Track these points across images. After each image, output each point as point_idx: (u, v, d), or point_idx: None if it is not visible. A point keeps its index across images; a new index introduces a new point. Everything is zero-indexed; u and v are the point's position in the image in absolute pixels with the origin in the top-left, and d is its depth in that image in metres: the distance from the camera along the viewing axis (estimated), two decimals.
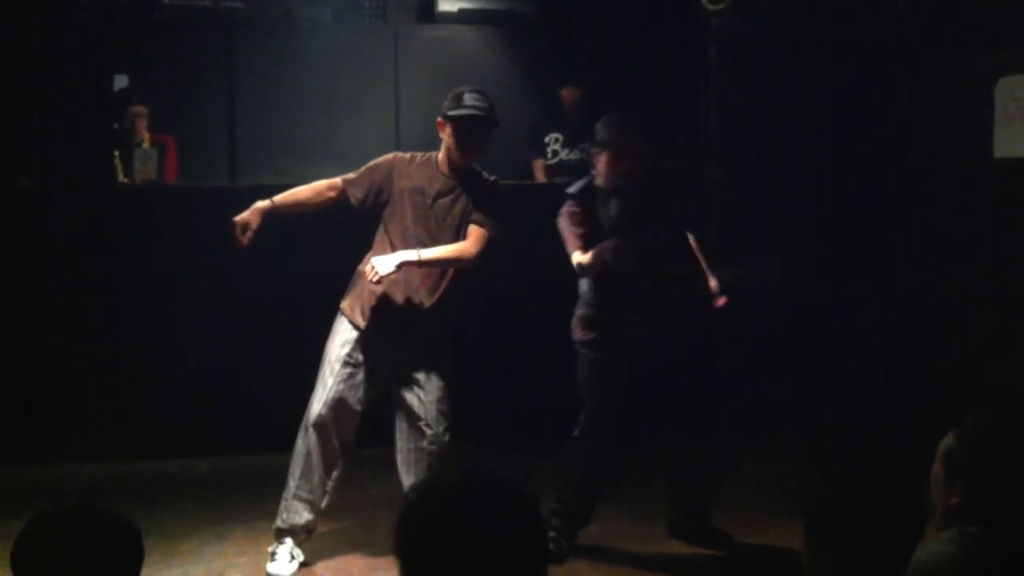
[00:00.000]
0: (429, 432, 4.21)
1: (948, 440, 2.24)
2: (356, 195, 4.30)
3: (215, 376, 5.81)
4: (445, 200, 4.26)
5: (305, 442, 4.23)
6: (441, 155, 4.31)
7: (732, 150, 6.32)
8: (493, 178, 4.38)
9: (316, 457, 4.22)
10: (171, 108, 6.86)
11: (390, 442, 4.45)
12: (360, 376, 4.25)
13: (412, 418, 4.24)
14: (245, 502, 5.05)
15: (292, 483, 4.25)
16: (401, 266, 4.09)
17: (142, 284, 5.84)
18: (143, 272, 5.84)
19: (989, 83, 5.10)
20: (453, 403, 4.30)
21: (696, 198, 4.46)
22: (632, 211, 4.31)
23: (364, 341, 4.26)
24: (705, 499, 4.56)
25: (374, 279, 4.07)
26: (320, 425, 4.19)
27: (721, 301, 4.36)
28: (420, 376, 4.24)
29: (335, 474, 4.30)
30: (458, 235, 4.24)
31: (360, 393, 4.25)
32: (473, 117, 4.21)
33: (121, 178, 6.37)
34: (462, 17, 7.40)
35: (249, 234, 4.15)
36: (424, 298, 4.24)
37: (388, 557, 4.29)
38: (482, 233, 4.22)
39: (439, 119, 4.29)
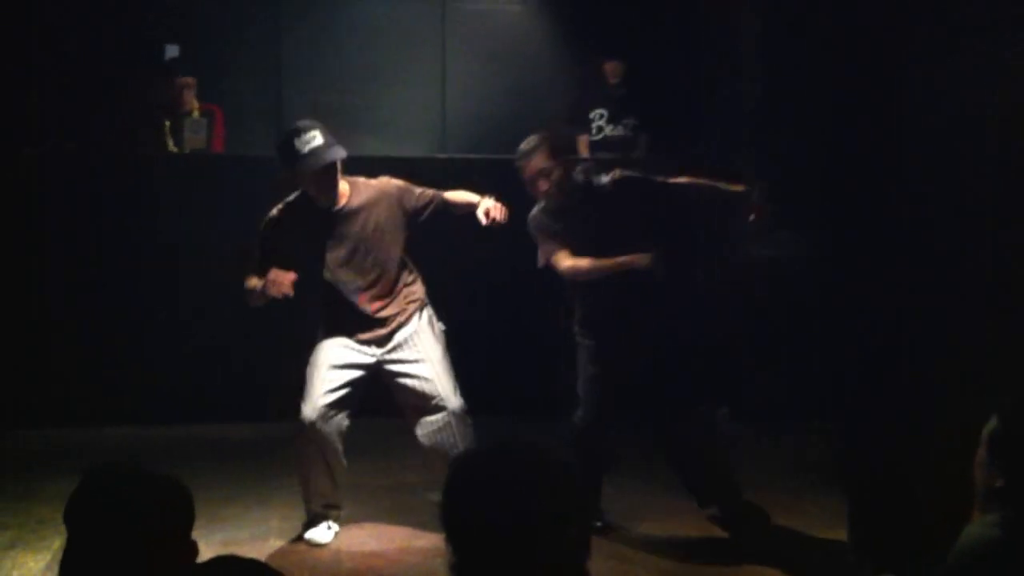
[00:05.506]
0: (446, 405, 4.21)
1: (992, 423, 2.24)
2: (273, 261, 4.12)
3: (260, 342, 5.87)
4: (359, 221, 4.17)
5: (303, 444, 4.22)
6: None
7: (772, 123, 6.28)
8: (383, 178, 4.28)
9: (315, 455, 4.23)
10: (218, 78, 6.91)
11: None
12: (350, 377, 4.24)
13: (424, 400, 4.23)
14: (288, 468, 5.06)
15: (306, 488, 4.31)
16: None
17: (192, 249, 5.91)
18: (194, 238, 5.91)
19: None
20: (456, 376, 4.30)
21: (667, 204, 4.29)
22: (564, 226, 4.24)
23: (350, 343, 4.26)
24: (703, 483, 4.45)
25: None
26: (313, 427, 4.16)
27: (756, 212, 4.22)
28: (415, 366, 4.25)
29: (341, 467, 4.32)
30: (396, 239, 4.22)
31: (351, 392, 4.24)
32: (316, 170, 4.02)
33: (171, 147, 6.44)
34: None
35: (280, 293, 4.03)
36: (388, 301, 4.26)
37: (430, 523, 4.34)
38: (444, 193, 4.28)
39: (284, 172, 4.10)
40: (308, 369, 4.24)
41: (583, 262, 4.21)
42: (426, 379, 4.23)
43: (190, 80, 6.63)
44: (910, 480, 2.01)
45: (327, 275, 4.21)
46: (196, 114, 6.51)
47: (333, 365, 4.21)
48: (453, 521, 1.66)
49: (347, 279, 4.21)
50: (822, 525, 4.36)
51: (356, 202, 4.18)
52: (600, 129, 6.97)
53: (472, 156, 6.44)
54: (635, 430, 4.48)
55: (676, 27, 7.15)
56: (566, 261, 4.22)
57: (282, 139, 4.08)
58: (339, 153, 4.05)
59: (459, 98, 7.16)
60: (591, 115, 6.97)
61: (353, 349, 4.24)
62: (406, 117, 7.21)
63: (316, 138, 4.00)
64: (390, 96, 7.19)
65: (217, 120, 6.64)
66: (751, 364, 6.13)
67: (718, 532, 4.40)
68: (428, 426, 4.25)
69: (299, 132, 4.02)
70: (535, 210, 4.33)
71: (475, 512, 1.63)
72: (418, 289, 4.36)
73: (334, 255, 4.18)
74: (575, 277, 4.25)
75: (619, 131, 6.95)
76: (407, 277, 4.32)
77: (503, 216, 4.12)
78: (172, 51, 6.98)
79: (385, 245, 4.21)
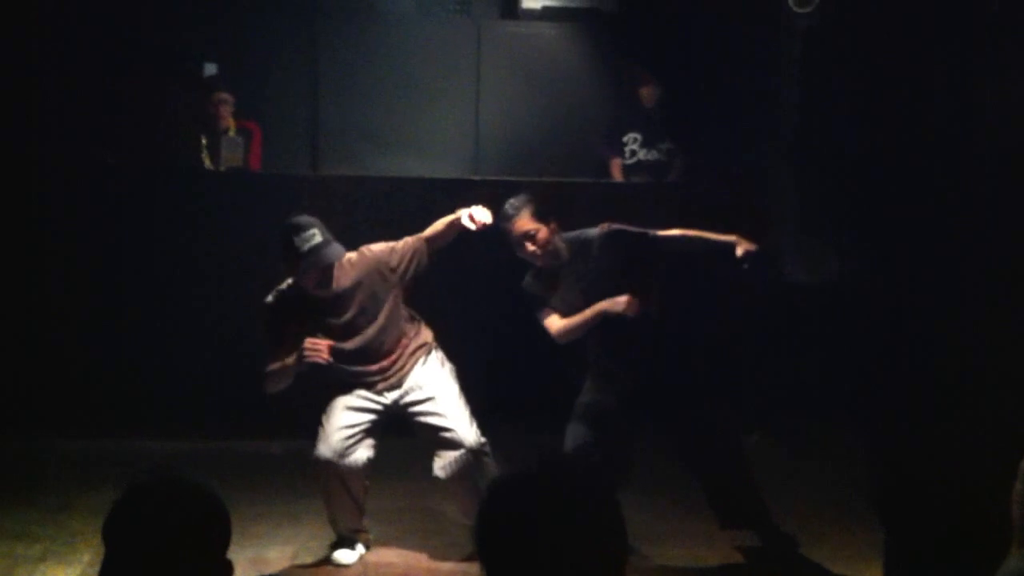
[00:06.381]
0: (463, 442, 4.25)
1: None
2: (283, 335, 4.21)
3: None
4: (352, 298, 4.24)
5: (322, 477, 4.28)
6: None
7: (810, 148, 6.26)
8: (363, 248, 4.31)
9: (337, 487, 4.28)
10: (255, 96, 6.96)
11: None
12: (365, 418, 4.29)
13: (441, 435, 4.28)
14: (318, 486, 5.11)
15: (331, 514, 4.36)
16: None
17: (226, 266, 5.95)
18: (231, 255, 5.96)
19: None
20: (471, 409, 4.34)
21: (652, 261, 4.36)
22: (551, 288, 4.32)
23: (364, 392, 4.31)
24: (728, 503, 4.42)
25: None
26: (330, 464, 4.22)
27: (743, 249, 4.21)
28: (429, 404, 4.31)
29: (364, 494, 4.36)
30: (393, 300, 4.28)
31: (368, 429, 4.29)
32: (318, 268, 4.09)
33: (207, 164, 6.49)
34: (545, 14, 7.42)
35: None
36: (396, 355, 4.32)
37: (457, 546, 4.34)
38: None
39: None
40: (323, 415, 4.30)
41: (567, 322, 4.29)
42: (440, 415, 4.29)
43: (227, 96, 6.68)
44: (930, 487, 1.98)
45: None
46: (232, 131, 6.56)
47: (348, 407, 4.28)
48: (489, 547, 1.66)
49: (351, 347, 4.26)
50: (845, 549, 4.32)
51: (346, 282, 4.23)
52: (634, 153, 6.97)
53: (506, 178, 6.45)
54: (655, 444, 4.49)
55: (711, 49, 7.14)
56: (555, 325, 4.31)
57: (281, 236, 4.09)
58: (338, 252, 4.11)
59: (493, 119, 7.17)
60: (625, 139, 6.97)
61: (366, 397, 4.31)
62: (440, 137, 7.24)
63: (315, 236, 4.05)
64: (424, 116, 7.22)
65: (255, 138, 6.68)
66: (767, 375, 6.11)
67: (739, 558, 4.38)
68: (445, 459, 4.29)
69: (297, 230, 4.06)
70: (527, 276, 4.39)
71: (511, 538, 1.63)
72: (424, 335, 4.42)
73: (335, 332, 4.23)
74: (567, 338, 4.33)
75: (653, 155, 6.95)
76: (411, 328, 4.39)
77: (486, 215, 4.13)
78: (211, 69, 7.05)
79: (382, 311, 4.28)
